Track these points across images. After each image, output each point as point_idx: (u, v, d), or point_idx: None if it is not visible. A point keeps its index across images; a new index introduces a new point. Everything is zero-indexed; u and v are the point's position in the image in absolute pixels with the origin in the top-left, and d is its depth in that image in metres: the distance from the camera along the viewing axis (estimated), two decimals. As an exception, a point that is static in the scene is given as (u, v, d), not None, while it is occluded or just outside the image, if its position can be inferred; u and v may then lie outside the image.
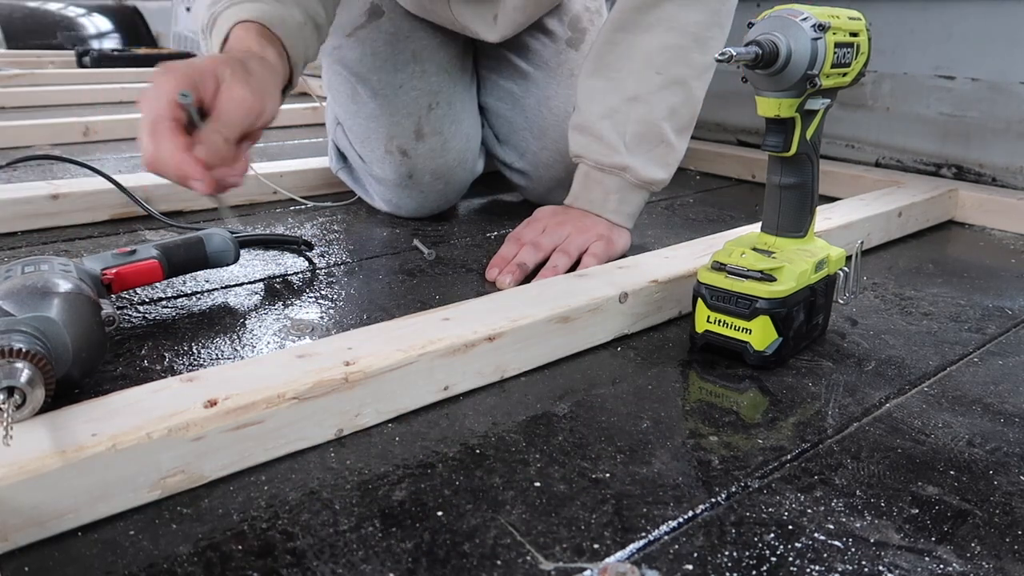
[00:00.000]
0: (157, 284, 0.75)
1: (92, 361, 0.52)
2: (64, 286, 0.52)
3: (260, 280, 0.78)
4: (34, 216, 0.92)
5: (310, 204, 1.05)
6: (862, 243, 0.68)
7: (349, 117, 0.98)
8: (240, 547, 0.40)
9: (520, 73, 1.02)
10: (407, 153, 0.95)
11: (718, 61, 0.53)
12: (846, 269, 0.65)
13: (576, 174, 0.85)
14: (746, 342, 0.60)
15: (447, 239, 0.93)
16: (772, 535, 0.41)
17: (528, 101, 1.02)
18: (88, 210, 0.95)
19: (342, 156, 1.04)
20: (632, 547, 0.40)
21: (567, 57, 1.02)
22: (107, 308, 0.56)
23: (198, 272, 0.78)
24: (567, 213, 0.83)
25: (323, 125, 1.11)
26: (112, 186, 0.95)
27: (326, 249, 0.88)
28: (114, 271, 0.65)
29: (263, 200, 1.06)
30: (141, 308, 0.70)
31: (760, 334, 0.59)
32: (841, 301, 0.66)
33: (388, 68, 0.95)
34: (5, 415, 0.40)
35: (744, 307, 0.59)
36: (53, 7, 3.24)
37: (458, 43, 1.00)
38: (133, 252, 0.68)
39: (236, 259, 0.75)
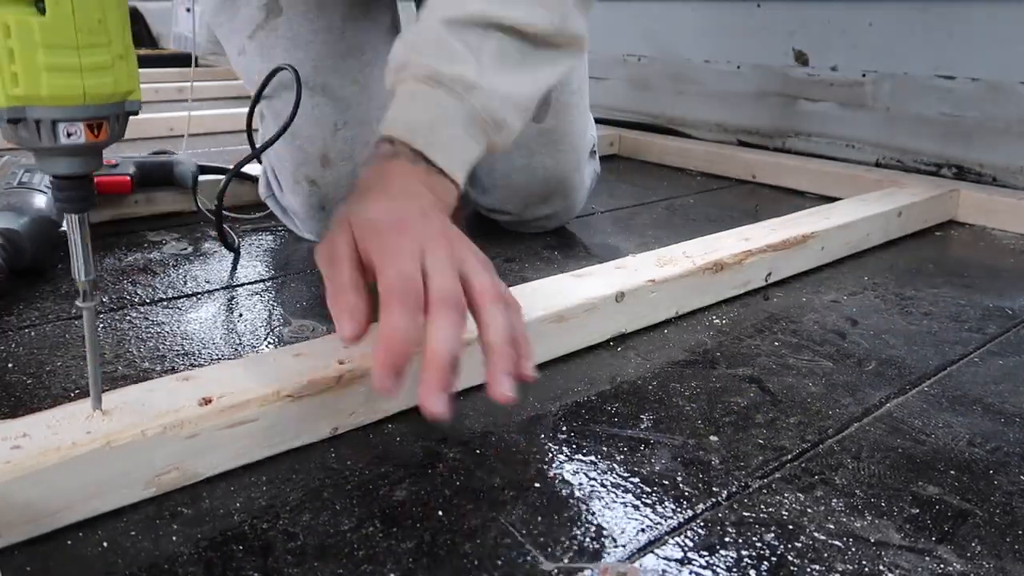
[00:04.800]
0: (157, 285, 0.75)
1: (44, 260, 0.75)
2: (35, 208, 0.75)
3: (260, 280, 0.78)
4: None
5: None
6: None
7: (263, 140, 0.84)
8: (241, 547, 0.40)
9: None
10: (315, 182, 0.82)
11: None
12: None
13: (396, 94, 0.59)
14: None
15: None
16: (772, 535, 0.41)
17: None
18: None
19: (269, 182, 0.92)
20: (632, 547, 0.40)
21: None
22: (65, 225, 0.70)
23: (198, 273, 0.79)
24: (407, 205, 0.52)
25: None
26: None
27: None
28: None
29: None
30: (141, 308, 0.70)
31: None
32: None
33: (287, 84, 0.79)
34: None
35: None
36: (53, 8, 3.23)
37: (378, 43, 0.84)
38: (115, 166, 0.93)
39: (195, 184, 0.96)
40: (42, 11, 0.34)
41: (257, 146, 0.86)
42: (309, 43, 0.80)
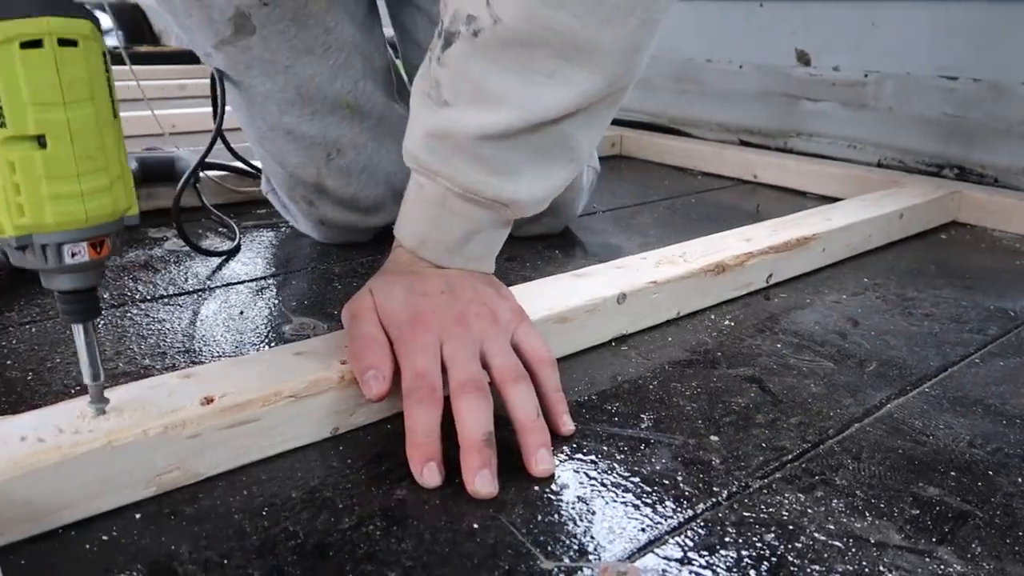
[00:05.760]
0: (158, 282, 0.75)
1: None
2: None
3: (262, 278, 0.78)
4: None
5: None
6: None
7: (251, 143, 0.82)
8: (241, 546, 0.40)
9: None
10: (313, 203, 0.82)
11: None
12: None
13: (417, 194, 0.55)
14: None
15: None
16: (772, 535, 0.41)
17: None
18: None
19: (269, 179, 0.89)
20: (632, 546, 0.40)
21: None
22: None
23: (199, 269, 0.79)
24: (430, 287, 0.54)
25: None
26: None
27: (328, 247, 0.88)
28: None
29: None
30: (142, 305, 0.70)
31: None
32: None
33: (270, 107, 0.75)
34: None
35: None
36: (55, 4, 3.23)
37: (369, 47, 0.78)
38: None
39: (196, 179, 0.93)
40: (43, 145, 0.36)
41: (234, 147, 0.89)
42: (289, 68, 0.73)
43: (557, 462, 0.47)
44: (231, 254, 0.84)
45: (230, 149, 0.93)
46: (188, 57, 2.50)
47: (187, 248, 0.86)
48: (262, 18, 0.70)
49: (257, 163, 0.95)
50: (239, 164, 1.00)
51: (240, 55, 0.72)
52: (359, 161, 0.79)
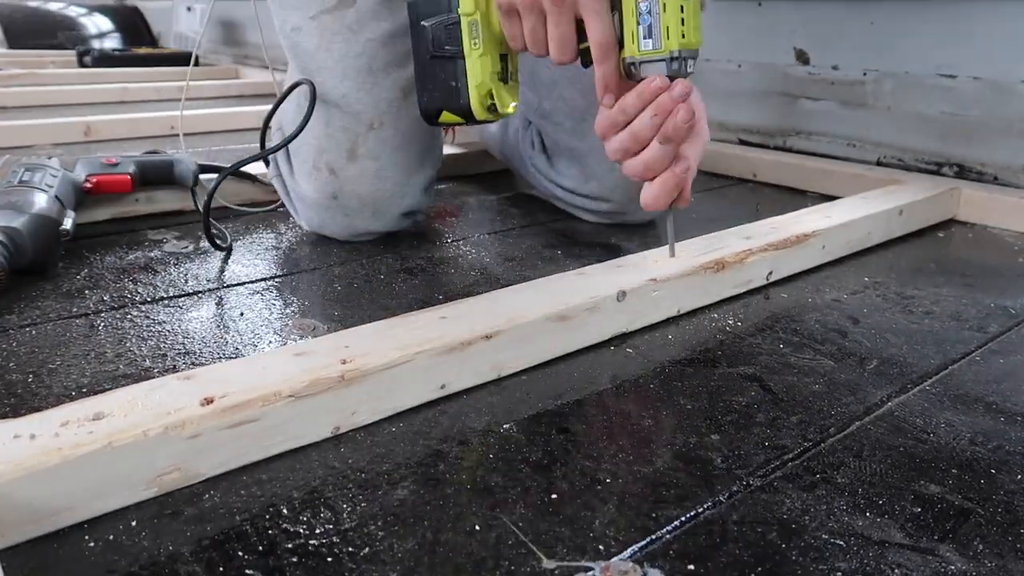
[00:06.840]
0: (158, 284, 0.75)
1: (45, 261, 0.76)
2: (37, 206, 0.75)
3: (262, 280, 0.78)
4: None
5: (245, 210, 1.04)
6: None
7: (289, 124, 0.87)
8: (242, 546, 0.40)
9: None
10: (335, 172, 0.84)
11: None
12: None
13: None
14: None
15: (450, 236, 0.93)
16: (774, 534, 0.41)
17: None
18: (89, 210, 0.95)
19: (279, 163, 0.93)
20: (634, 546, 0.40)
21: None
22: (66, 224, 0.78)
23: (199, 271, 0.79)
24: None
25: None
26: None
27: (328, 247, 0.88)
28: (95, 179, 0.91)
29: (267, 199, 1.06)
30: (143, 307, 0.70)
31: None
32: None
33: (336, 72, 0.82)
34: None
35: None
36: (54, 7, 3.24)
37: None
38: (116, 164, 0.93)
39: (195, 182, 0.97)
40: None
41: (269, 145, 0.88)
42: (368, 40, 0.82)
43: (557, 462, 0.47)
44: (228, 252, 0.85)
45: (263, 146, 0.93)
46: (185, 59, 2.50)
47: (187, 250, 0.86)
48: None
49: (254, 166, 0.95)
50: (240, 167, 1.00)
51: (332, 23, 0.82)
52: (395, 139, 0.85)
